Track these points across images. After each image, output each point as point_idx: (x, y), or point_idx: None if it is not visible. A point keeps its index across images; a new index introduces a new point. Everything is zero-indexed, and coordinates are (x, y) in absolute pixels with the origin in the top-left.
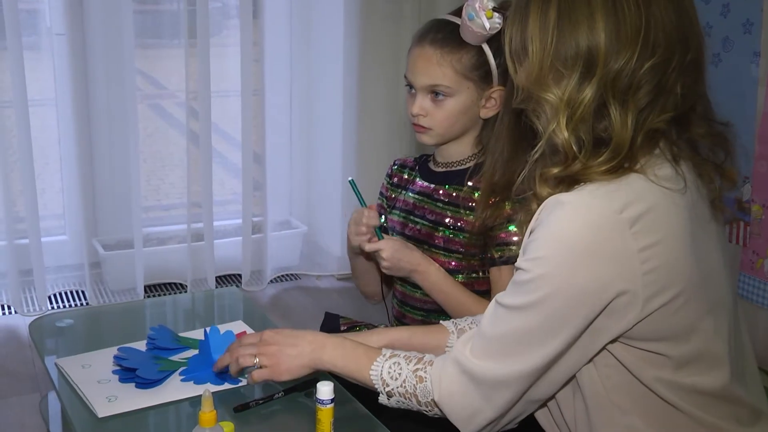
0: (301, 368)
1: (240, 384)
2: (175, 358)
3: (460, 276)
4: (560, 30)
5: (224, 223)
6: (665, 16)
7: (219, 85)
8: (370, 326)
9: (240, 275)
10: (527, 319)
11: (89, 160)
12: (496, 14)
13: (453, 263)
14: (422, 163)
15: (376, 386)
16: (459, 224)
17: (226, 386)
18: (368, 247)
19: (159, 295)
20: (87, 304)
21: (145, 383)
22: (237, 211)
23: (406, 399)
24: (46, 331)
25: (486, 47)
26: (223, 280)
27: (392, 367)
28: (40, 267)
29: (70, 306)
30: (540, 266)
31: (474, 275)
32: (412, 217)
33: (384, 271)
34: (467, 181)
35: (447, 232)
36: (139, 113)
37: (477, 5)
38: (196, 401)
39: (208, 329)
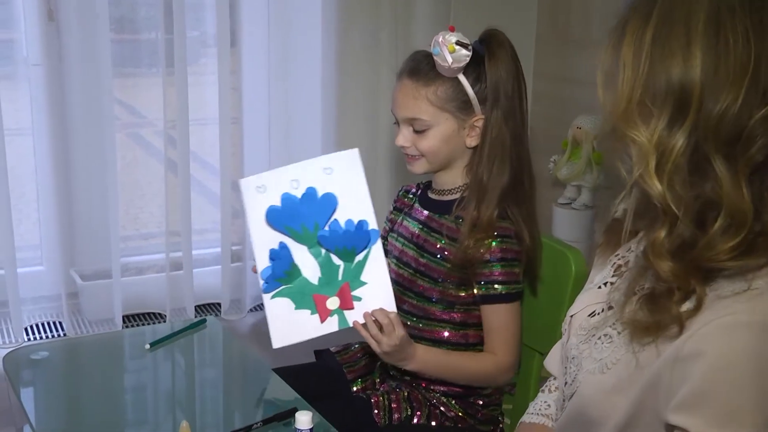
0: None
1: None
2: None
3: (439, 306)
4: (653, 58)
5: (203, 251)
6: None
7: (197, 114)
8: (363, 344)
9: (219, 304)
10: None
11: (66, 189)
12: (460, 48)
13: (435, 292)
14: (423, 190)
15: None
16: (445, 253)
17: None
18: (366, 336)
19: (137, 325)
20: (64, 335)
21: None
22: (216, 239)
23: None
24: (21, 363)
25: (462, 78)
26: (202, 309)
27: None
28: (16, 298)
29: (47, 337)
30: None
31: (452, 306)
32: (410, 245)
33: (379, 353)
34: (454, 211)
35: (431, 260)
36: (118, 142)
37: (440, 40)
38: None
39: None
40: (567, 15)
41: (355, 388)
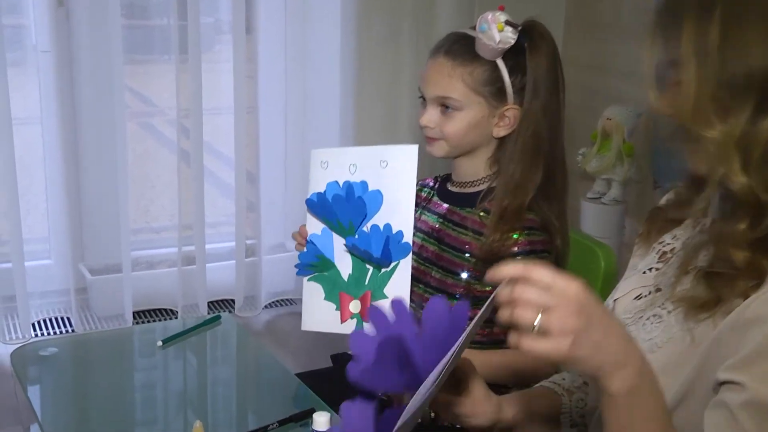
0: (597, 369)
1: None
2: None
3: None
4: (725, 50)
5: (216, 245)
6: None
7: (211, 102)
8: None
9: (233, 300)
10: None
11: (76, 180)
12: (508, 28)
13: (459, 289)
14: (441, 182)
15: None
16: (466, 246)
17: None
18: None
19: (148, 322)
20: (73, 331)
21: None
22: (230, 233)
23: None
24: (29, 360)
25: (501, 63)
26: (215, 305)
27: None
28: (24, 293)
29: (55, 333)
30: None
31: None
32: (430, 240)
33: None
34: (479, 204)
35: (454, 254)
36: (128, 132)
37: (489, 17)
38: None
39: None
40: (597, 1)
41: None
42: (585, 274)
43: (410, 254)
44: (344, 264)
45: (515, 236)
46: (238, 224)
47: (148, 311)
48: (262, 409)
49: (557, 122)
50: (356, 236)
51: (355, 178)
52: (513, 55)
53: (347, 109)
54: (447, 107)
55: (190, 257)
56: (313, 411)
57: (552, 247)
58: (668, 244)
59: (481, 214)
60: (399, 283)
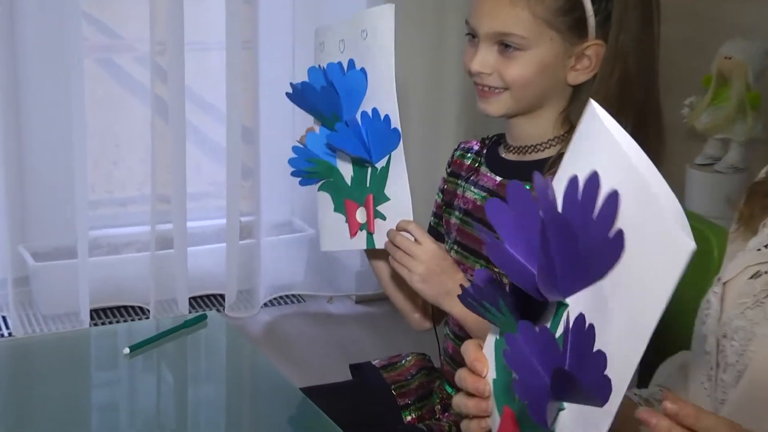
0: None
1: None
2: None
3: None
4: None
5: (201, 224)
6: None
7: (196, 36)
8: (419, 357)
9: (223, 296)
10: None
11: (15, 136)
12: None
13: None
14: (491, 147)
15: None
16: None
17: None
18: (395, 243)
19: (111, 323)
20: (10, 334)
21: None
22: (219, 207)
23: None
24: None
25: None
26: (199, 302)
27: None
28: None
29: None
30: None
31: None
32: (470, 220)
33: (414, 284)
34: (545, 175)
35: None
36: (85, 72)
37: None
38: None
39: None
40: None
41: (408, 417)
42: (691, 264)
43: (401, 144)
44: (346, 166)
45: None
46: (230, 196)
47: (111, 309)
48: None
49: (652, 63)
50: (336, 131)
51: (344, 57)
52: None
53: None
54: (507, 46)
55: (166, 239)
56: None
57: None
58: None
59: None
60: (397, 181)
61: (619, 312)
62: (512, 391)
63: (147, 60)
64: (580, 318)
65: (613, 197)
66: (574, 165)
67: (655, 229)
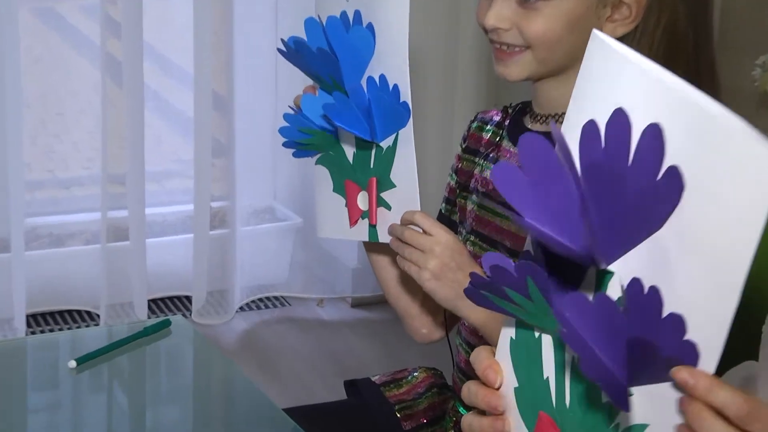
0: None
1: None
2: None
3: None
4: None
5: (163, 210)
6: None
7: None
8: (428, 371)
9: (190, 298)
10: None
11: None
12: None
13: None
14: (514, 117)
15: None
16: None
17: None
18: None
19: (51, 330)
20: None
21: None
22: (186, 190)
23: None
24: None
25: None
26: (161, 305)
27: None
28: None
29: None
30: None
31: None
32: (490, 204)
33: (425, 283)
34: None
35: None
36: (21, 24)
37: None
38: None
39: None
40: None
41: None
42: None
43: (411, 121)
44: (348, 139)
45: None
46: (198, 176)
47: (52, 314)
48: None
49: (706, 12)
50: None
51: (350, 7)
52: None
53: None
54: None
55: (120, 228)
56: None
57: None
58: None
59: None
60: (404, 167)
61: (690, 263)
62: (542, 395)
63: (96, 10)
64: (635, 283)
65: (653, 131)
66: (584, 112)
67: (726, 153)
